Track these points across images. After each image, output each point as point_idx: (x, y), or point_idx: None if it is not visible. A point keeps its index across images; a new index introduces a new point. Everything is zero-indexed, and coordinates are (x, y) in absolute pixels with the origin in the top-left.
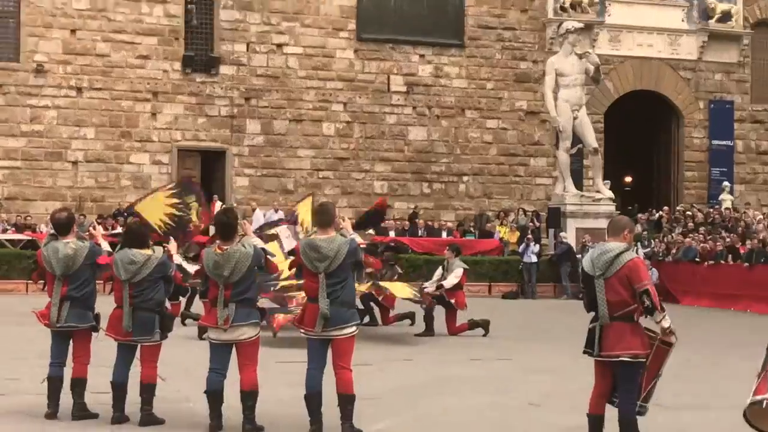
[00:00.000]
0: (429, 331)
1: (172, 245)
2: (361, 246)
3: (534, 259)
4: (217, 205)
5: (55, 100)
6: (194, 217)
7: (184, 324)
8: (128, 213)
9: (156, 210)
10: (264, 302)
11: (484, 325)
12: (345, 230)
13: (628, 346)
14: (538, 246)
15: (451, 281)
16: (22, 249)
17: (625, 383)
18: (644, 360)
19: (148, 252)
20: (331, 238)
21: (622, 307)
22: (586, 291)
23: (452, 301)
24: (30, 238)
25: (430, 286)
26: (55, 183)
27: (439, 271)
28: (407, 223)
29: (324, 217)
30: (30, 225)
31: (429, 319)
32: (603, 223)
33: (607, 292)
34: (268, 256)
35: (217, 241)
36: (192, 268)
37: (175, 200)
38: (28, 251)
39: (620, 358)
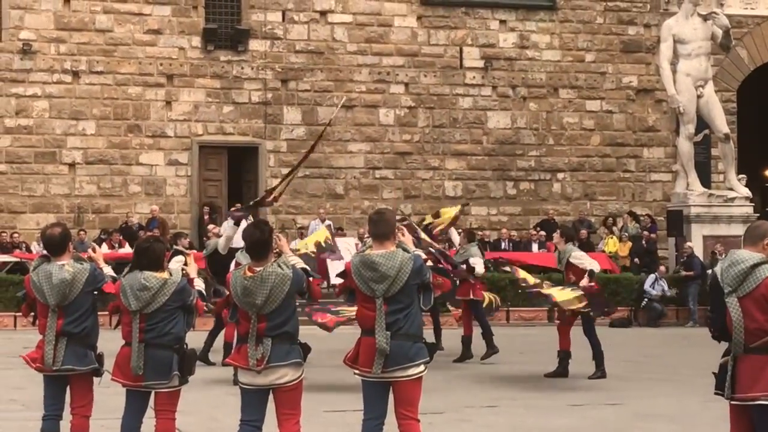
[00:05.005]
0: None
1: (192, 267)
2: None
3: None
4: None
5: (47, 87)
6: None
7: (206, 362)
8: None
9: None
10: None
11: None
12: (405, 244)
13: None
14: (664, 284)
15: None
16: (8, 273)
17: None
18: None
19: (164, 276)
20: (390, 253)
21: (760, 335)
22: (715, 312)
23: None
24: (18, 259)
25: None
26: (47, 190)
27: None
28: (488, 233)
29: (381, 227)
30: (17, 243)
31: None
32: (738, 230)
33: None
34: (310, 279)
35: (247, 263)
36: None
37: None
38: (15, 276)
39: (758, 402)
